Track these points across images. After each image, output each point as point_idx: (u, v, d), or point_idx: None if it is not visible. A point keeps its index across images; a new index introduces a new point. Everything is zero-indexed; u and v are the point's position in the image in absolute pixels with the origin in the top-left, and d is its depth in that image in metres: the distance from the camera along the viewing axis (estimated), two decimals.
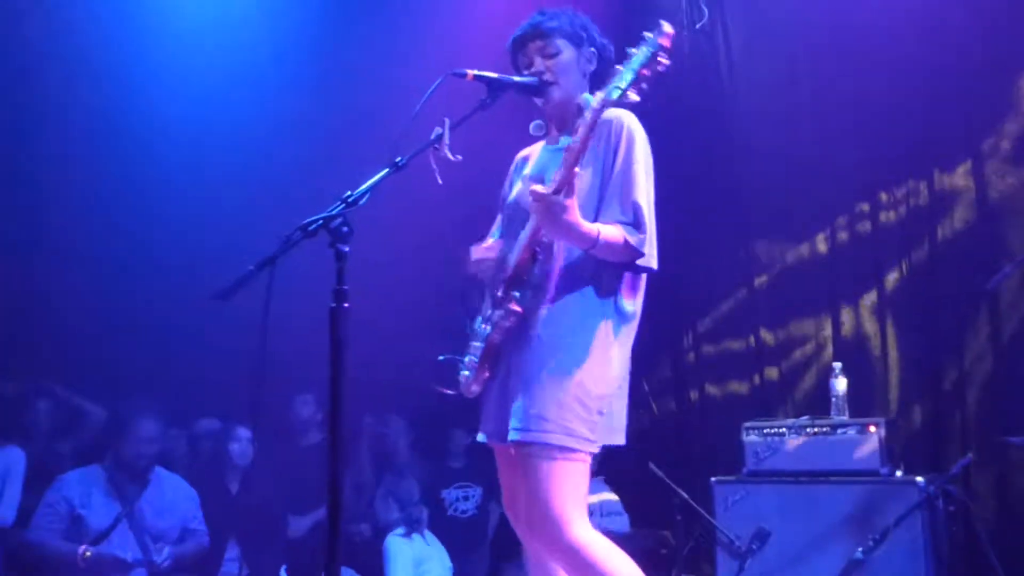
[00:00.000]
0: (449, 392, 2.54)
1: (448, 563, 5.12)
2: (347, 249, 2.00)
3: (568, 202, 2.28)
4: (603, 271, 2.43)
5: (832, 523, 3.86)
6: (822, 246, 4.83)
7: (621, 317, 2.44)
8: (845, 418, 4.07)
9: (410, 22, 5.33)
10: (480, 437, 2.58)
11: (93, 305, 5.09)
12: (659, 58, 2.25)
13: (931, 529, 3.75)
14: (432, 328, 5.58)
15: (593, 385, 2.37)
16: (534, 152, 2.65)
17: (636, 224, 2.38)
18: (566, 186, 2.28)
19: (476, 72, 2.45)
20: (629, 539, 4.30)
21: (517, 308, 2.41)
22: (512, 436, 2.38)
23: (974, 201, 4.40)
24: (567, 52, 2.53)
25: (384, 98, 4.51)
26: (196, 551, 4.48)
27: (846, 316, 4.70)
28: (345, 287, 1.97)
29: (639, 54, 2.25)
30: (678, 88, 5.17)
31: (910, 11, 4.45)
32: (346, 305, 1.96)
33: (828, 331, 4.73)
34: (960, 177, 4.44)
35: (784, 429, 4.11)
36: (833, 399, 4.14)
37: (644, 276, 2.51)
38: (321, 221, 2.01)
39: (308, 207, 2.10)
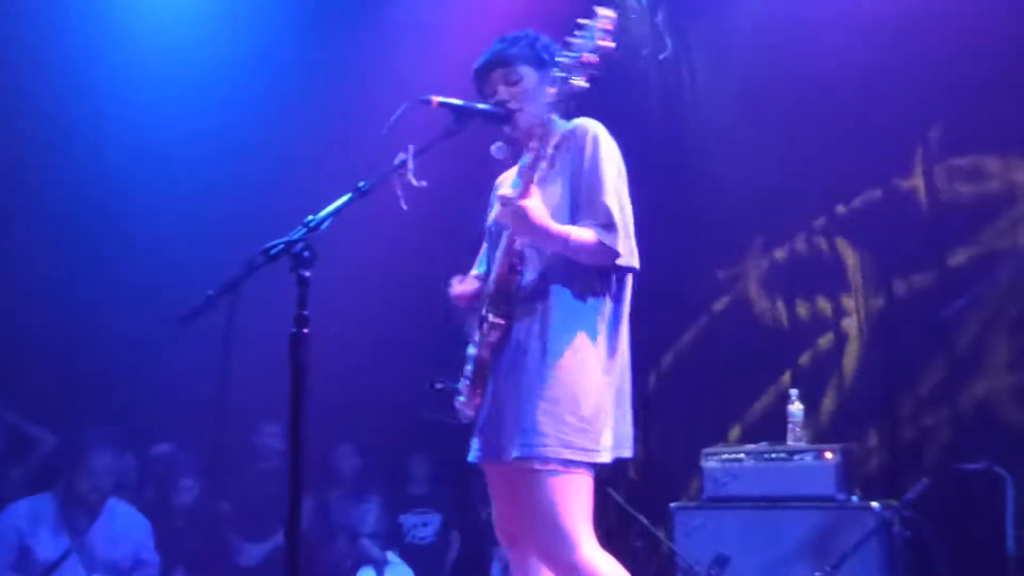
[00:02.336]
0: (452, 420, 2.52)
1: None
2: (309, 274, 1.98)
3: (534, 204, 2.30)
4: (584, 277, 2.41)
5: (790, 549, 3.89)
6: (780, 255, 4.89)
7: (607, 323, 2.42)
8: (802, 444, 4.11)
9: (377, 46, 5.32)
10: (471, 456, 2.52)
11: (44, 326, 4.95)
12: (601, 42, 2.27)
13: (887, 554, 3.79)
14: (391, 353, 5.59)
15: (585, 394, 2.34)
16: (508, 177, 2.67)
17: (607, 225, 2.37)
18: (530, 187, 2.31)
19: (441, 99, 2.45)
20: None
21: (499, 320, 2.40)
22: (514, 453, 2.34)
23: (927, 220, 4.49)
24: (530, 77, 2.54)
25: (350, 122, 4.49)
26: None
27: (803, 344, 4.76)
28: (306, 312, 1.96)
29: (579, 41, 2.29)
30: (643, 118, 5.25)
31: (870, 36, 4.55)
32: (307, 331, 1.95)
33: (785, 357, 4.78)
34: (917, 196, 4.53)
35: (742, 455, 4.14)
36: (790, 425, 4.18)
37: (629, 279, 2.49)
38: (283, 246, 2.00)
39: (271, 231, 2.09)
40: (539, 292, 2.42)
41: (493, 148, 2.61)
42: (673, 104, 5.28)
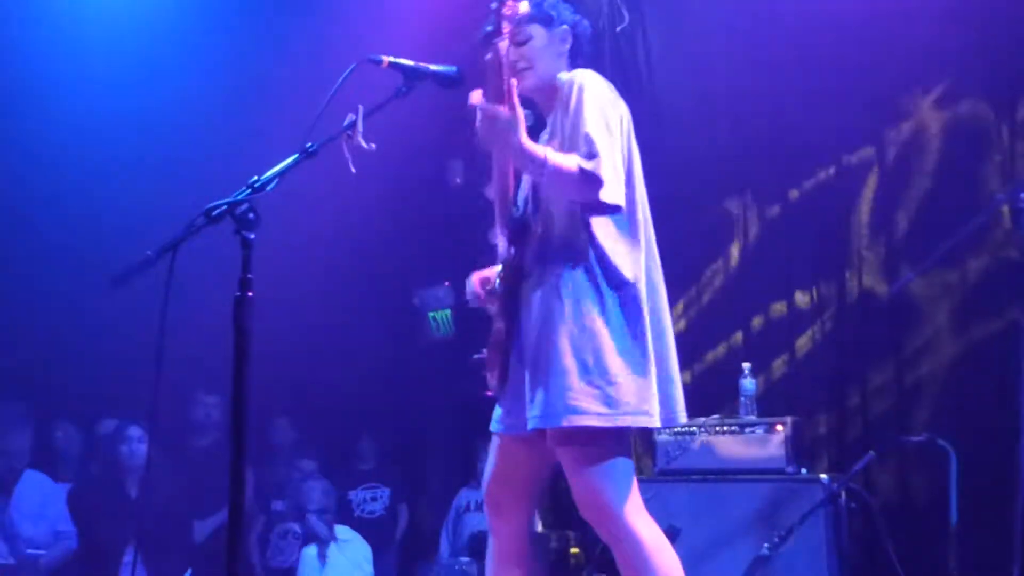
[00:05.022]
0: (490, 394, 2.45)
1: (367, 551, 5.03)
2: (253, 236, 1.91)
3: (511, 115, 2.22)
4: (581, 236, 2.33)
5: (740, 520, 3.91)
6: (735, 254, 4.88)
7: (611, 279, 2.32)
8: (753, 417, 4.13)
9: (328, 6, 5.20)
10: (492, 426, 2.47)
11: None
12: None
13: (834, 525, 3.83)
14: (341, 325, 5.51)
15: (595, 356, 2.26)
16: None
17: (589, 155, 2.28)
18: (507, 97, 2.23)
19: (392, 59, 2.38)
20: (540, 540, 4.28)
21: (509, 290, 2.36)
22: (531, 424, 2.29)
23: (879, 203, 4.53)
24: (539, 36, 2.50)
25: (297, 84, 4.38)
26: (67, 554, 4.28)
27: (756, 320, 4.78)
28: (250, 276, 1.88)
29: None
30: None
31: (824, 10, 4.55)
32: (251, 294, 1.87)
33: (739, 334, 4.80)
34: (866, 177, 4.56)
35: (694, 428, 4.15)
36: (742, 399, 4.20)
37: (631, 219, 2.38)
38: (226, 206, 1.92)
39: (216, 195, 2.00)
40: (545, 260, 2.36)
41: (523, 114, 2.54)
42: (628, 76, 5.24)
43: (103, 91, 5.11)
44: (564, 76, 2.47)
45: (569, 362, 2.26)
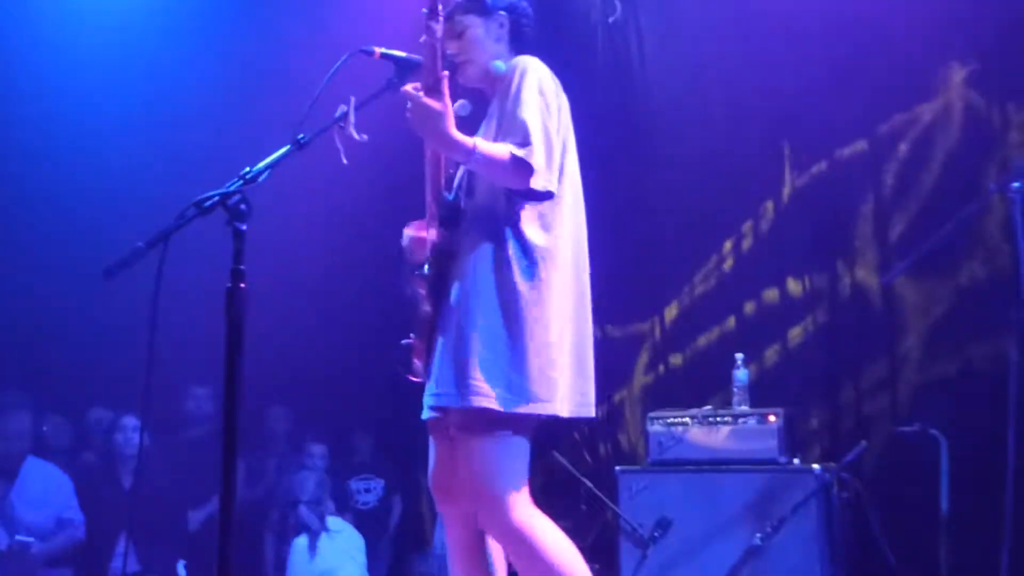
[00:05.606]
0: (416, 380, 2.43)
1: (360, 542, 5.03)
2: (245, 227, 1.90)
3: (438, 105, 2.22)
4: (504, 220, 2.32)
5: (732, 511, 3.92)
6: (728, 246, 4.88)
7: (530, 258, 2.30)
8: (746, 408, 4.14)
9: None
10: (423, 414, 2.45)
11: None
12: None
13: (826, 515, 3.85)
14: (333, 316, 5.50)
15: (502, 342, 2.24)
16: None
17: (523, 143, 2.26)
18: (436, 84, 2.23)
19: (384, 50, 2.39)
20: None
21: (433, 273, 2.35)
22: (433, 401, 2.29)
23: (872, 197, 4.53)
24: (474, 26, 2.48)
25: (289, 75, 4.37)
26: (71, 542, 4.28)
27: (749, 308, 4.79)
28: (243, 267, 1.88)
29: None
30: (590, 81, 5.19)
31: (819, 4, 4.55)
32: (243, 286, 1.87)
33: (732, 323, 4.81)
34: (859, 171, 4.56)
35: (687, 419, 4.16)
36: (735, 389, 4.21)
37: (569, 215, 2.38)
38: (218, 197, 1.91)
39: (208, 186, 2.00)
40: (467, 241, 2.35)
41: (456, 106, 2.54)
42: (621, 67, 5.23)
43: (97, 84, 5.09)
44: (504, 64, 2.44)
45: (478, 345, 2.24)
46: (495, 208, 2.34)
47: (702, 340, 4.87)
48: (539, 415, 2.29)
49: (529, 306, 2.28)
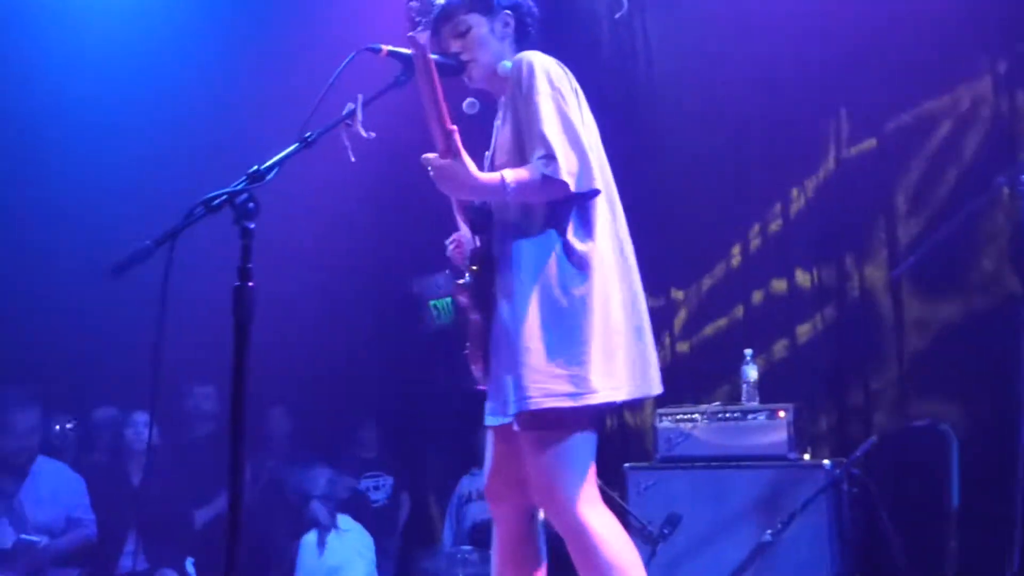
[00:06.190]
0: (481, 388, 2.43)
1: (368, 541, 5.04)
2: (252, 226, 1.90)
3: (453, 161, 2.23)
4: (540, 216, 2.31)
5: (742, 507, 3.91)
6: (736, 249, 4.86)
7: (573, 258, 2.29)
8: (755, 404, 4.13)
9: None
10: (486, 420, 2.45)
11: None
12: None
13: (836, 511, 3.84)
14: (336, 313, 5.51)
15: (556, 338, 2.23)
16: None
17: (547, 156, 2.25)
18: (448, 142, 2.23)
19: (391, 48, 2.38)
20: (543, 526, 4.29)
21: (474, 282, 2.35)
22: (498, 412, 2.30)
23: (877, 190, 4.51)
24: (478, 25, 2.47)
25: (296, 73, 4.37)
26: (81, 541, 4.29)
27: (757, 300, 4.77)
28: (250, 265, 1.88)
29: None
30: (595, 77, 5.17)
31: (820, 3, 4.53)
32: (251, 284, 1.87)
33: (740, 314, 4.79)
34: (866, 167, 4.54)
35: (696, 415, 4.15)
36: (744, 385, 4.20)
37: (605, 213, 2.36)
38: (225, 196, 1.91)
39: (215, 184, 2.00)
40: (506, 247, 2.34)
41: (465, 104, 2.53)
42: (627, 64, 5.22)
43: (103, 81, 5.08)
44: (509, 62, 2.42)
45: (534, 344, 2.23)
46: (532, 209, 2.33)
47: (709, 329, 4.86)
48: (605, 404, 2.28)
49: (573, 298, 2.26)
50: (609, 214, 2.39)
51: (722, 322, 4.84)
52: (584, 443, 2.29)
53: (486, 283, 2.35)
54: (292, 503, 5.13)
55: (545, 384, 2.22)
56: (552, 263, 2.29)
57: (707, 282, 4.94)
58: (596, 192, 2.32)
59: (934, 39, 4.29)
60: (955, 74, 4.32)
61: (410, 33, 2.26)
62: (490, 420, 2.44)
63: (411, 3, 2.27)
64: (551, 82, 2.33)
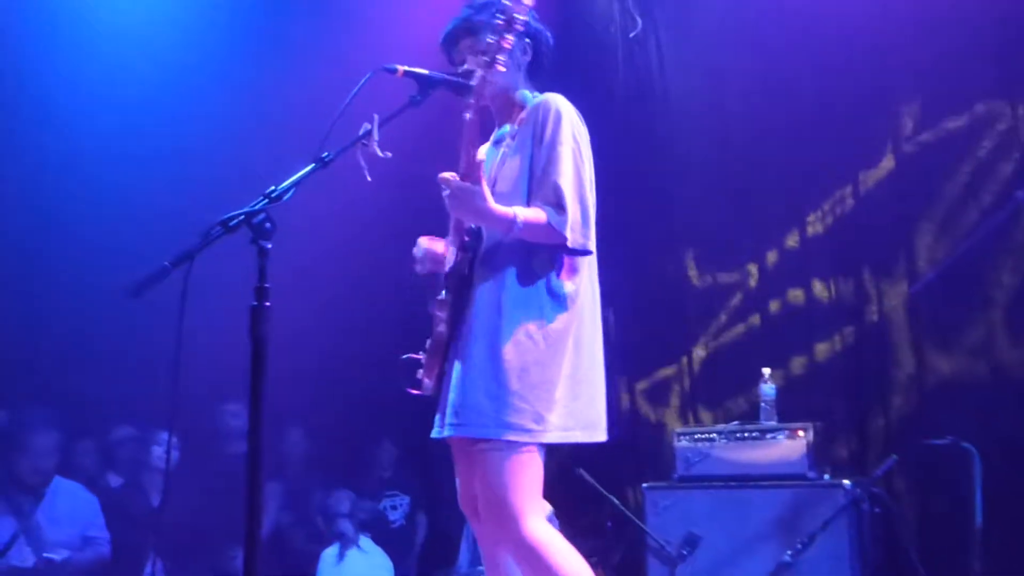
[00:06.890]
0: (415, 392, 2.50)
1: (388, 564, 5.03)
2: (269, 246, 1.92)
3: (475, 187, 2.28)
4: (532, 254, 2.38)
5: (761, 527, 3.88)
6: (752, 266, 4.84)
7: (556, 300, 2.38)
8: (774, 423, 4.10)
9: (342, 16, 5.21)
10: (434, 432, 2.50)
11: None
12: (514, 24, 2.29)
13: (857, 531, 3.80)
14: (352, 332, 5.51)
15: (525, 374, 2.30)
16: (482, 151, 2.60)
17: (558, 206, 2.34)
18: (471, 169, 2.29)
19: (407, 68, 2.40)
20: None
21: (453, 299, 2.39)
22: (447, 431, 2.36)
23: (896, 206, 4.49)
24: None
25: (313, 93, 4.39)
26: (95, 559, 4.29)
27: (774, 317, 4.74)
28: (267, 285, 1.89)
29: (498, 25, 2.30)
30: (610, 95, 5.20)
31: (836, 13, 4.52)
32: (268, 304, 1.88)
33: (759, 326, 4.76)
34: (883, 183, 4.52)
35: (714, 435, 4.12)
36: (763, 404, 4.17)
37: (590, 260, 2.46)
38: (243, 216, 1.92)
39: (232, 205, 2.01)
40: (491, 272, 2.39)
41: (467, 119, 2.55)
42: (641, 82, 5.24)
43: (125, 98, 5.12)
44: (533, 97, 2.49)
45: (504, 376, 2.30)
46: (513, 246, 2.39)
47: (726, 339, 4.82)
48: (542, 442, 2.36)
49: (548, 335, 2.34)
50: (588, 260, 2.47)
51: (739, 330, 4.81)
52: (533, 461, 2.36)
53: (463, 301, 2.40)
54: (315, 523, 5.13)
55: (508, 417, 2.29)
56: (535, 299, 2.37)
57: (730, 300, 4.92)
58: (588, 252, 2.41)
59: (952, 56, 4.28)
60: (973, 90, 4.29)
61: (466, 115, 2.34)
62: (436, 432, 2.48)
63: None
64: (574, 135, 2.42)
